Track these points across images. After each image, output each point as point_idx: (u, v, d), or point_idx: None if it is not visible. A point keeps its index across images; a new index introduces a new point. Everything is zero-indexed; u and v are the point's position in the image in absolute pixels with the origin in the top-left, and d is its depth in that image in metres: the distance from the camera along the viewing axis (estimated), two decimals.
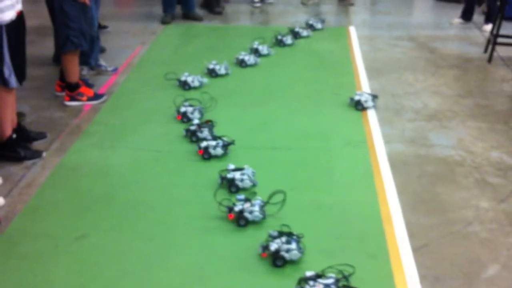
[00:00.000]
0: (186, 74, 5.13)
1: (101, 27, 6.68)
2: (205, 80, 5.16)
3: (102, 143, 4.13)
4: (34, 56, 5.59)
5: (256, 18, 7.89)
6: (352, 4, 8.53)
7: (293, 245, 2.82)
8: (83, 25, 4.55)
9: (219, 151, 3.85)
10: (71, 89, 4.71)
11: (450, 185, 3.63)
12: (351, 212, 3.29)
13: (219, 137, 3.95)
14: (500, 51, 5.96)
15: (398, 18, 7.87)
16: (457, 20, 7.55)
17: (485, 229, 3.18)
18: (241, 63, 5.66)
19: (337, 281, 2.62)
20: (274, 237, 2.90)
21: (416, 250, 2.98)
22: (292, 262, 2.83)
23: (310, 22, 7.03)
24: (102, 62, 5.52)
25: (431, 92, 5.15)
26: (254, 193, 3.34)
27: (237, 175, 3.46)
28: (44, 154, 3.92)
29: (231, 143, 3.92)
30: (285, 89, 5.15)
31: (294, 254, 2.81)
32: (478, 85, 5.37)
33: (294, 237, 2.90)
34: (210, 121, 4.22)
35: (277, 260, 2.82)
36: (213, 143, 3.87)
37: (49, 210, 3.32)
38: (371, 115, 4.57)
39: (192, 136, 4.08)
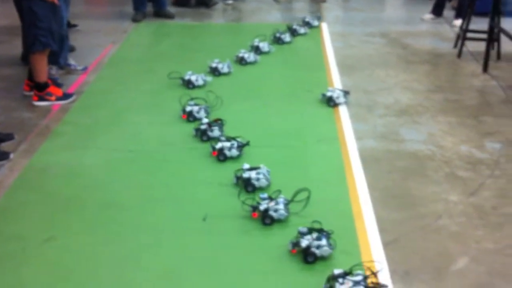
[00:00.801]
0: (190, 73, 5.07)
1: (71, 25, 6.60)
2: (209, 78, 5.12)
3: (72, 143, 4.07)
4: (3, 56, 5.51)
5: (228, 16, 7.87)
6: (324, 1, 8.56)
7: (324, 241, 2.82)
8: (52, 24, 4.49)
9: (234, 152, 3.79)
10: (40, 88, 4.64)
11: (421, 180, 3.66)
12: (324, 209, 3.29)
13: (233, 138, 3.88)
14: (470, 46, 6.04)
15: (370, 15, 7.93)
16: (428, 16, 7.62)
17: (454, 222, 3.22)
18: (241, 61, 5.64)
19: (365, 278, 2.62)
20: (304, 234, 2.89)
21: (386, 245, 3.00)
22: (322, 258, 2.83)
23: (307, 19, 7.03)
24: (71, 61, 5.45)
25: (402, 88, 5.19)
26: (279, 191, 3.29)
27: (252, 174, 3.43)
28: (11, 155, 3.85)
29: (246, 144, 3.86)
30: (265, 87, 5.15)
31: (325, 250, 2.81)
32: (448, 80, 5.44)
33: (324, 233, 2.90)
34: (219, 119, 4.17)
35: (308, 257, 2.81)
36: (227, 144, 3.81)
37: (18, 212, 3.26)
38: (343, 111, 4.60)
39: (203, 136, 4.03)
